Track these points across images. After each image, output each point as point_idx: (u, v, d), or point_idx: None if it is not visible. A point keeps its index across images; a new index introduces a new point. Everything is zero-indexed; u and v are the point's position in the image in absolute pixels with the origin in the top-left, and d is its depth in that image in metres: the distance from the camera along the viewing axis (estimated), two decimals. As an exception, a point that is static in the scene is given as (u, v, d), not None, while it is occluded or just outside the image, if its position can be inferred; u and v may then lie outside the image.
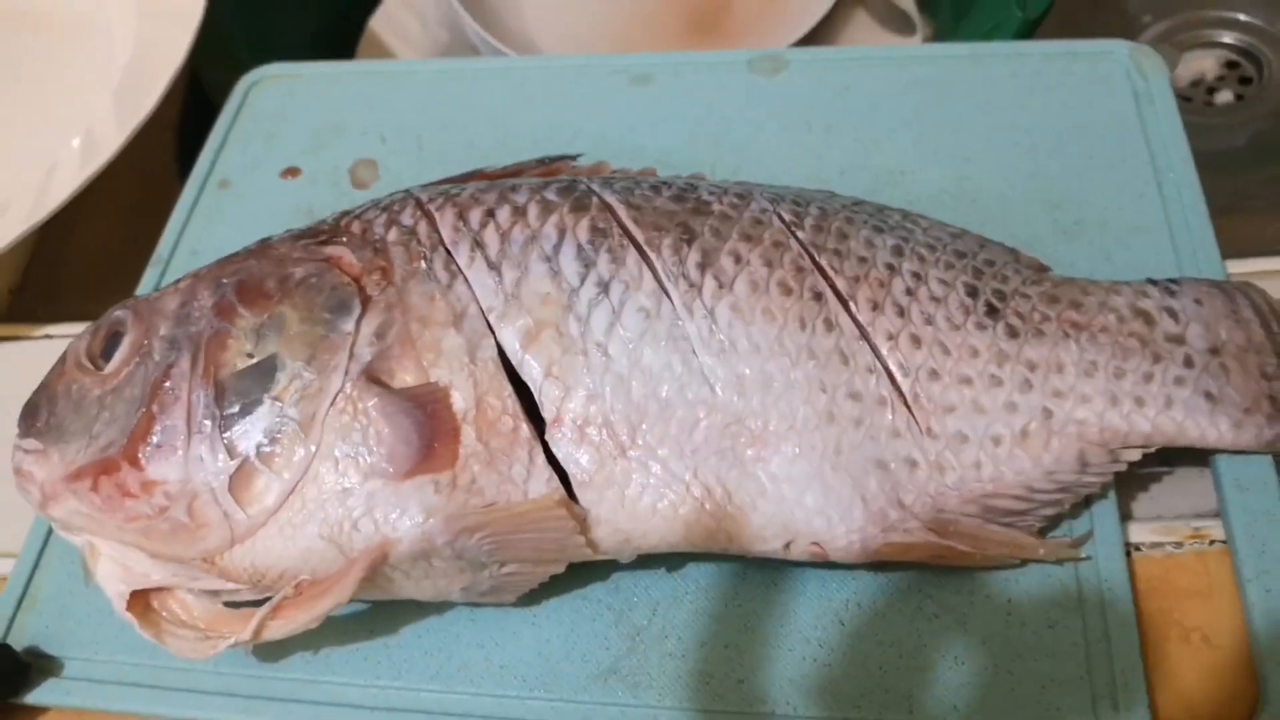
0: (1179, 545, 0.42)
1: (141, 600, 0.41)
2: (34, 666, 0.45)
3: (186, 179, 0.62)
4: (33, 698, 0.44)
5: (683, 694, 0.40)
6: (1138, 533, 0.43)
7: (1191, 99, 0.85)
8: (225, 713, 0.43)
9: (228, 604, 0.42)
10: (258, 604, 0.41)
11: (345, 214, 0.46)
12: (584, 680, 0.41)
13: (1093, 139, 0.54)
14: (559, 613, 0.43)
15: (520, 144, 0.59)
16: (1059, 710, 0.38)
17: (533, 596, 0.42)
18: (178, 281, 0.44)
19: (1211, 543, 0.42)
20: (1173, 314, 0.44)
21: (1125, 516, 0.43)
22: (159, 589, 0.42)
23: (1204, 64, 0.85)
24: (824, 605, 0.41)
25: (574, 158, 0.52)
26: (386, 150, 0.60)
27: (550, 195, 0.45)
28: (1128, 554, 0.42)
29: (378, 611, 0.43)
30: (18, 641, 0.46)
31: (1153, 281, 0.45)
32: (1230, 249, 0.50)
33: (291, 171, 0.60)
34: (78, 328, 0.59)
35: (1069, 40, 0.58)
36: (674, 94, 0.60)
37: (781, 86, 0.60)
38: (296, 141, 0.62)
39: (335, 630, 0.43)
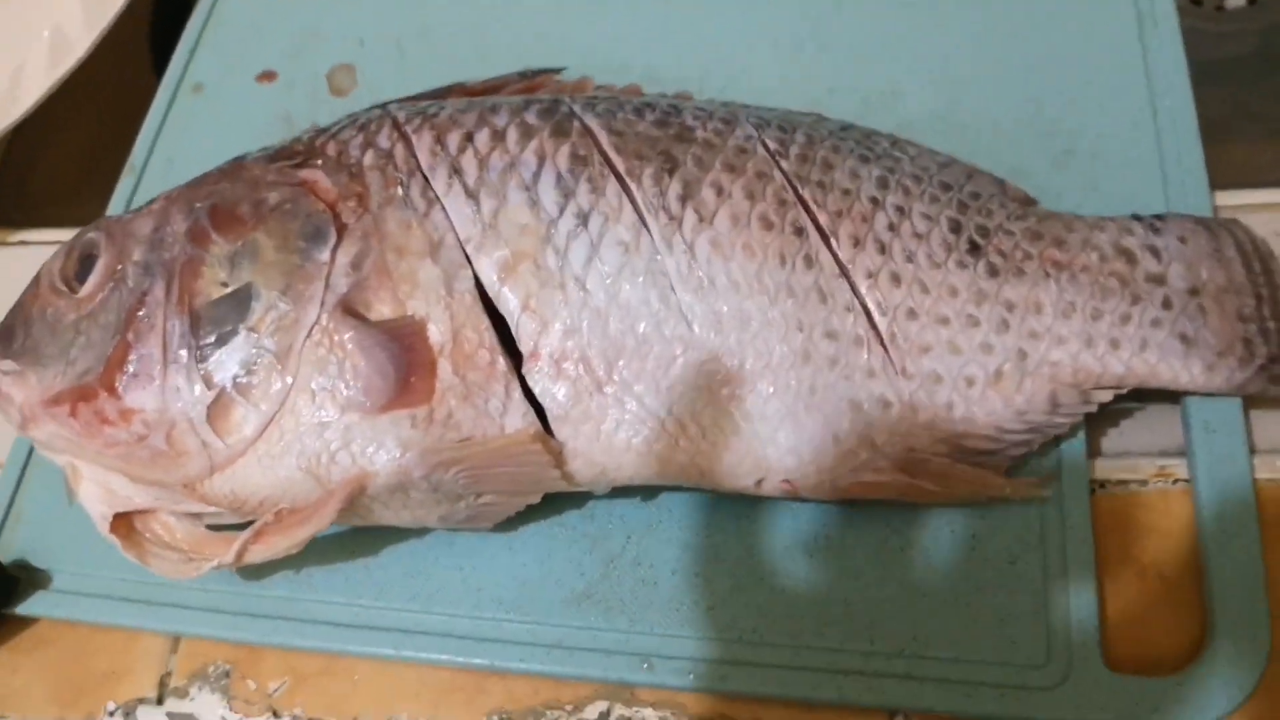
0: (1143, 483, 0.43)
1: (125, 522, 0.42)
2: (22, 579, 0.46)
3: (160, 80, 0.60)
4: (22, 609, 0.46)
5: (654, 619, 0.42)
6: (1104, 469, 0.44)
7: (1201, 2, 0.82)
8: (211, 628, 0.44)
9: (210, 526, 0.43)
10: (240, 527, 0.42)
11: (321, 131, 0.45)
12: (559, 604, 0.42)
13: (1090, 63, 0.52)
14: (535, 538, 0.44)
15: (503, 54, 0.57)
16: (1014, 643, 0.39)
17: (510, 523, 0.43)
18: (151, 202, 0.44)
19: (1175, 481, 0.43)
20: (1155, 252, 0.43)
21: (1093, 452, 0.44)
22: (142, 511, 0.42)
23: (1217, -32, 0.82)
24: (793, 537, 0.42)
25: (557, 71, 0.51)
26: (365, 55, 0.59)
27: (531, 118, 0.44)
28: (1092, 491, 0.43)
29: (358, 534, 0.44)
30: (6, 554, 0.47)
31: (1138, 217, 0.45)
32: (1223, 176, 0.49)
33: (267, 75, 0.59)
34: (54, 234, 0.58)
35: (1072, -48, 0.56)
36: (663, 2, 0.58)
37: (775, -2, 0.58)
38: (272, 43, 0.60)
39: (317, 551, 0.44)
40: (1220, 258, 0.44)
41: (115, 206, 0.55)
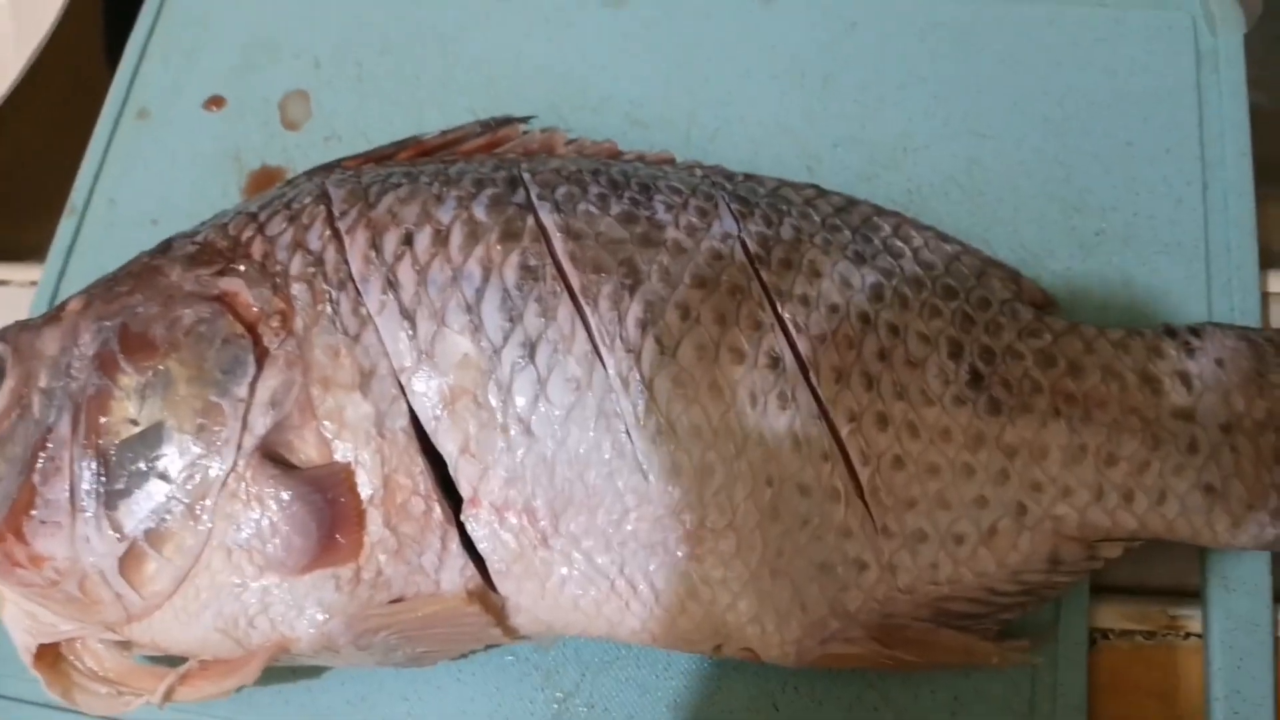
0: (1150, 635, 0.39)
1: (51, 651, 0.40)
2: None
3: (107, 90, 0.55)
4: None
5: (607, 769, 0.39)
6: (1107, 615, 0.40)
7: None
8: (150, 746, 0.42)
9: (146, 657, 0.40)
10: (172, 659, 0.39)
11: (251, 218, 0.41)
12: (508, 745, 0.40)
13: (1135, 117, 0.45)
14: (485, 668, 0.41)
15: (471, 79, 0.52)
16: (993, 828, 0.36)
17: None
18: (60, 308, 0.40)
19: (1187, 636, 0.39)
20: (1186, 381, 0.38)
21: (1096, 586, 0.40)
22: (70, 638, 0.40)
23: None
24: (760, 687, 0.39)
25: (524, 120, 0.46)
26: (321, 80, 0.53)
27: (480, 213, 0.39)
28: (1093, 641, 0.39)
29: (301, 656, 0.42)
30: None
31: (1171, 332, 0.39)
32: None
33: (216, 101, 0.53)
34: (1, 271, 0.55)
35: (1128, -24, 0.49)
36: (652, 20, 0.52)
37: (778, 16, 0.51)
38: (222, 59, 0.54)
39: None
40: (1263, 385, 0.39)
41: (55, 254, 0.51)
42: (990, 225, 0.43)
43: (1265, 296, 0.43)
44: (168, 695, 0.38)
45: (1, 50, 0.54)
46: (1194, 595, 0.40)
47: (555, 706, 0.40)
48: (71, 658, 0.40)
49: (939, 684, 0.38)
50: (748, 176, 0.43)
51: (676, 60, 0.51)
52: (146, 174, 0.52)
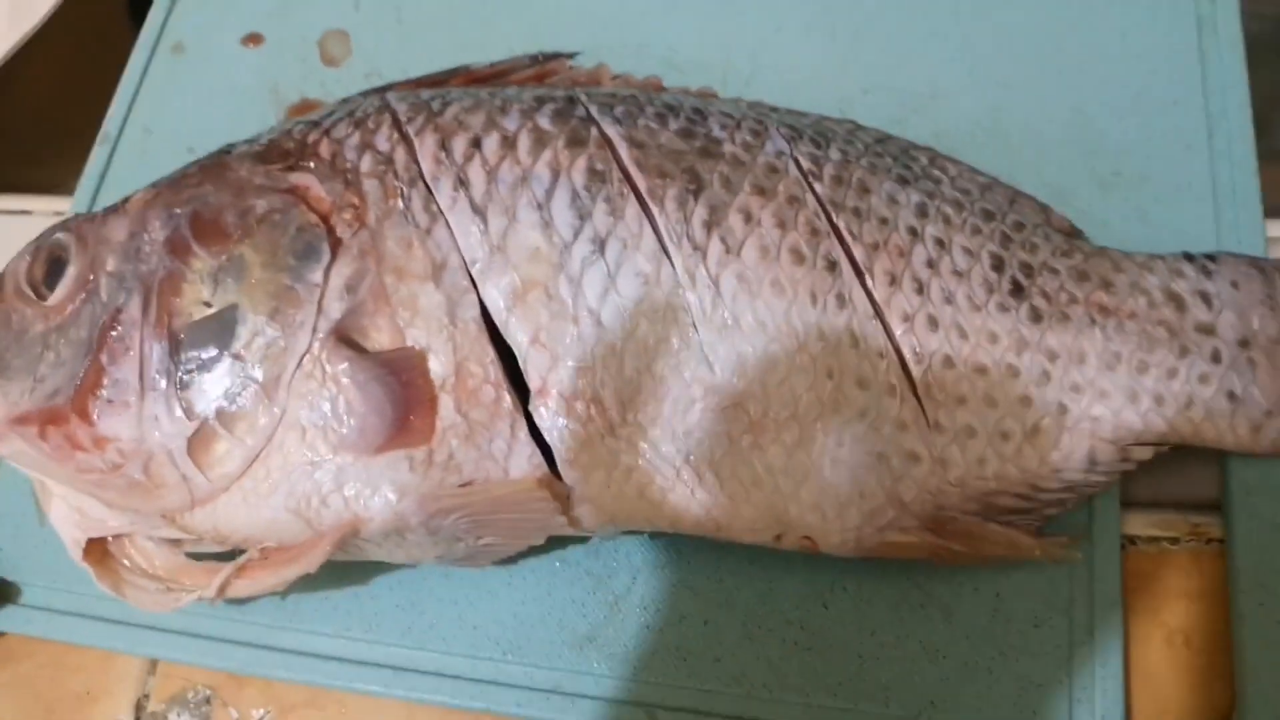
0: (1175, 541, 0.41)
1: (99, 547, 0.40)
2: (-9, 589, 0.44)
3: (138, 33, 0.55)
4: (-9, 621, 0.43)
5: (659, 668, 0.40)
6: (1135, 524, 0.42)
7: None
8: (190, 654, 0.42)
9: (190, 554, 0.40)
10: (222, 556, 0.39)
11: (313, 124, 0.41)
12: (560, 647, 0.40)
13: (1144, 72, 0.49)
14: (536, 574, 0.42)
15: (510, 25, 0.53)
16: (1035, 713, 0.38)
17: (510, 557, 0.41)
18: (125, 201, 0.40)
19: (1209, 541, 0.41)
20: (1206, 299, 0.41)
21: (1124, 501, 0.42)
22: (117, 535, 0.40)
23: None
24: (808, 586, 0.40)
25: (570, 56, 0.47)
26: (360, 20, 0.54)
27: (544, 122, 0.40)
28: (1122, 547, 0.41)
29: (349, 562, 0.42)
30: (-27, 562, 0.44)
31: (1189, 257, 0.42)
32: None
33: (253, 38, 0.54)
34: (20, 201, 0.54)
35: (1132, -54, 0.52)
36: (687, -26, 0.54)
37: (808, -27, 0.53)
38: (259, 1, 0.55)
39: (305, 577, 0.41)
40: (1274, 305, 0.41)
41: (88, 181, 0.51)
42: (1015, 166, 0.45)
43: (1267, 240, 0.46)
44: (223, 589, 0.38)
45: (30, -14, 0.54)
46: (1213, 507, 0.42)
47: (607, 609, 0.41)
48: (120, 556, 0.40)
49: (981, 582, 0.40)
50: (789, 110, 0.45)
51: (711, 11, 0.53)
52: (182, 105, 0.53)
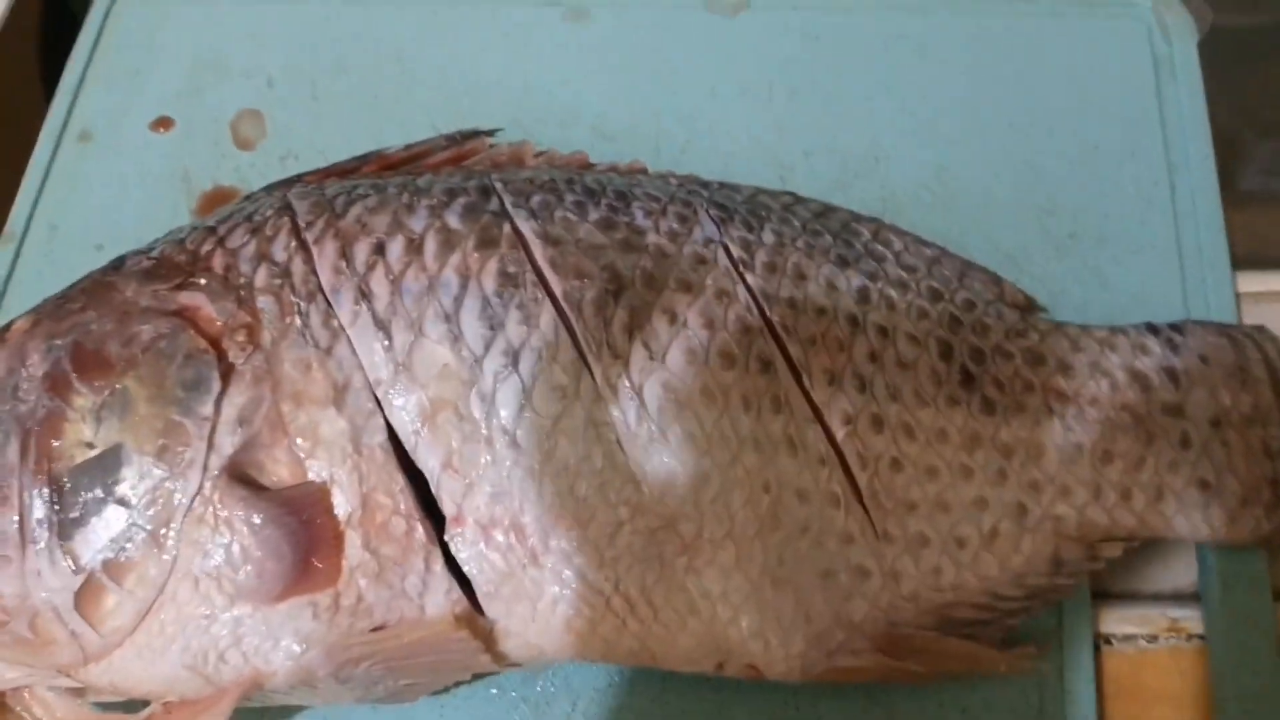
0: (1153, 639, 0.39)
1: (-5, 700, 0.37)
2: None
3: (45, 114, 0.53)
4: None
5: (603, 803, 0.37)
6: (1109, 620, 0.39)
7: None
8: (104, 802, 0.39)
9: (97, 704, 0.37)
10: (129, 704, 0.36)
11: (209, 231, 0.39)
12: (496, 783, 0.38)
13: (1100, 121, 0.46)
14: (470, 703, 0.39)
15: (430, 96, 0.50)
16: (1007, 842, 0.35)
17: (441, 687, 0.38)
18: (6, 330, 0.37)
19: (1189, 637, 0.39)
20: (1173, 377, 0.38)
21: (1097, 592, 0.39)
22: (16, 687, 0.37)
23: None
24: (760, 708, 0.38)
25: (490, 134, 0.44)
26: (274, 98, 0.51)
27: (453, 221, 0.37)
28: (1097, 647, 0.38)
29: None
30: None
31: (1153, 329, 0.39)
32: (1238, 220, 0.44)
33: (163, 122, 0.51)
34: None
35: (1083, -15, 0.49)
36: (615, 34, 0.51)
37: (741, 30, 0.51)
38: (169, 81, 0.52)
39: (222, 716, 0.39)
40: (1246, 379, 0.39)
41: (-9, 284, 0.48)
42: (965, 230, 0.43)
43: (1238, 297, 0.43)
44: (126, 745, 0.35)
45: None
46: (1192, 598, 0.39)
47: (545, 739, 0.38)
48: (19, 708, 0.37)
49: (946, 697, 0.37)
50: (723, 184, 0.42)
51: (641, 74, 0.50)
52: (90, 197, 0.50)
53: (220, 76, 0.52)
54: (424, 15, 0.52)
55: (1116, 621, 0.39)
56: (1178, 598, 0.39)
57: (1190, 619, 0.39)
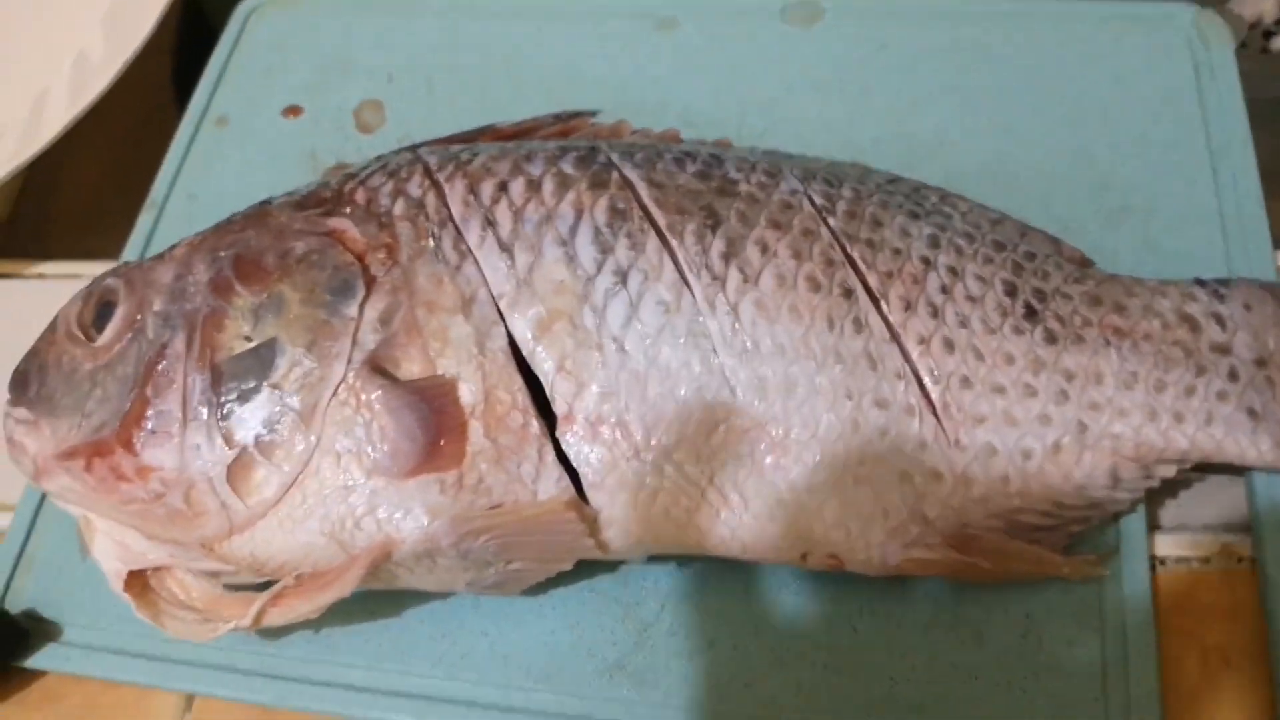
0: (1206, 561, 0.41)
1: (139, 579, 0.40)
2: (32, 631, 0.44)
3: (184, 111, 0.59)
4: (31, 662, 0.44)
5: (689, 694, 0.40)
6: (1164, 545, 0.42)
7: (1246, 44, 0.80)
8: (226, 688, 0.42)
9: (228, 586, 0.41)
10: (258, 586, 0.40)
11: (349, 176, 0.44)
12: (589, 675, 0.40)
13: (1146, 115, 0.50)
14: (565, 603, 0.42)
15: (535, 92, 0.56)
16: (1071, 734, 0.37)
17: (538, 586, 0.41)
18: (172, 248, 0.42)
19: (1240, 560, 0.41)
20: (1220, 320, 0.41)
21: (1152, 525, 0.42)
22: (157, 568, 0.41)
23: (1264, 5, 0.80)
24: (837, 609, 0.40)
25: (592, 114, 0.50)
26: (394, 91, 0.57)
27: (567, 167, 0.42)
28: (1152, 568, 0.41)
29: (380, 593, 0.42)
30: (15, 604, 0.45)
31: (1200, 282, 0.43)
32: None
33: (293, 110, 0.57)
34: (72, 267, 0.57)
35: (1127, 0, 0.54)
36: (700, 41, 0.57)
37: (815, 38, 0.56)
38: (298, 77, 0.59)
39: (337, 611, 0.41)
40: (1288, 326, 0.42)
41: (134, 243, 0.54)
42: (1024, 204, 0.47)
43: (1278, 271, 0.47)
44: (258, 619, 0.39)
45: (87, 70, 0.57)
46: (1243, 529, 0.42)
47: (636, 637, 0.41)
48: (159, 589, 0.41)
49: (1011, 603, 0.40)
50: (802, 156, 0.47)
51: (723, 76, 0.55)
52: (225, 172, 0.56)
53: (345, 73, 0.58)
54: (531, 26, 0.58)
55: (1171, 546, 0.41)
56: (1228, 529, 0.42)
57: (1241, 544, 0.41)
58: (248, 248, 0.40)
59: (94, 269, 0.56)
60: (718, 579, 0.42)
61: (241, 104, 0.58)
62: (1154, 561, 0.41)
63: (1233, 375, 0.40)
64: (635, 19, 0.58)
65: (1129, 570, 0.40)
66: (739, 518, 0.38)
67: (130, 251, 0.54)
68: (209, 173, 0.56)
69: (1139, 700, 0.37)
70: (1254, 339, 0.41)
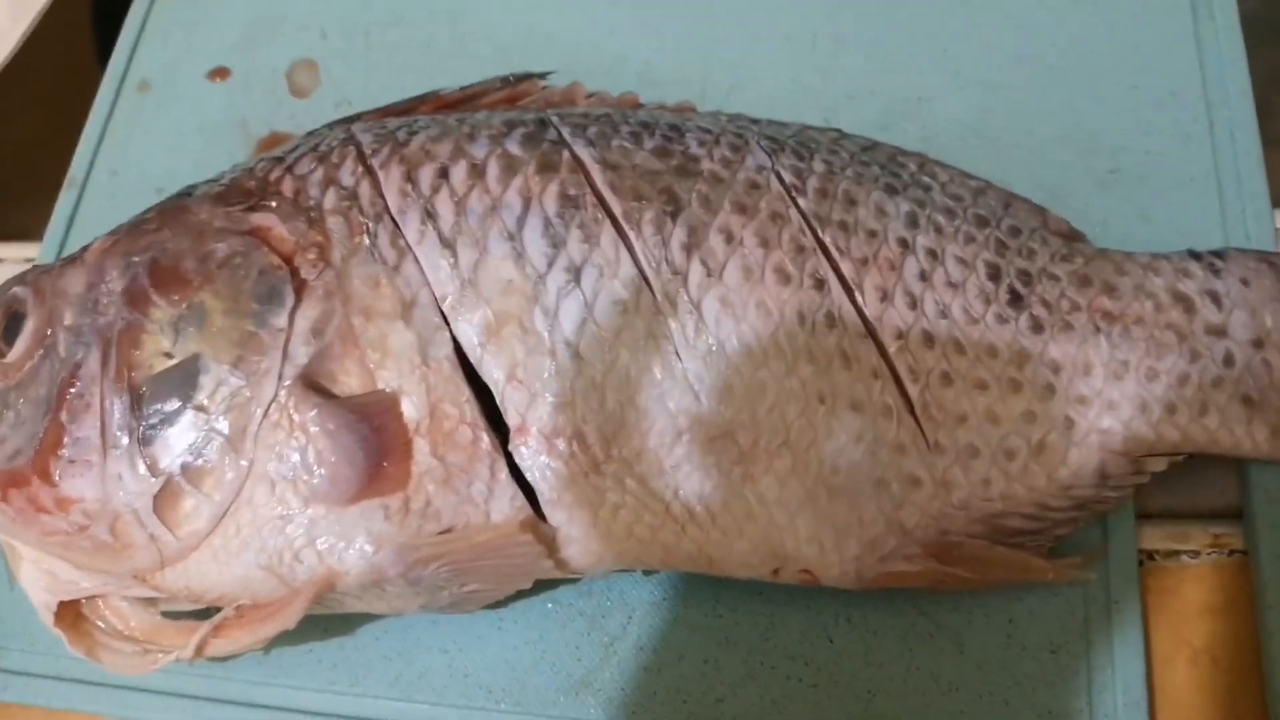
0: (1195, 554, 0.39)
1: (71, 609, 0.38)
2: (-35, 655, 0.42)
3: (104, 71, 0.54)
4: (-35, 689, 0.42)
5: (659, 711, 0.38)
6: (1151, 537, 0.40)
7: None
8: (172, 714, 0.40)
9: (167, 613, 0.39)
10: (200, 613, 0.38)
11: (276, 161, 0.40)
12: (554, 692, 0.39)
13: (1139, 64, 0.47)
14: (527, 617, 0.40)
15: (482, 48, 0.52)
16: (1056, 745, 0.36)
17: (499, 600, 0.39)
18: (83, 251, 0.38)
19: (1231, 553, 0.39)
20: (1215, 299, 0.39)
21: (1140, 514, 0.40)
22: (91, 596, 0.38)
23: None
24: (812, 619, 0.39)
25: (543, 76, 0.46)
26: (328, 49, 0.53)
27: (514, 148, 0.39)
28: (1140, 563, 0.39)
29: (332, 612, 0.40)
30: (-53, 627, 0.43)
31: (1195, 255, 0.40)
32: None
33: (220, 72, 0.53)
34: (-9, 247, 0.53)
35: (1119, -67, 0.50)
36: (661, -12, 0.52)
37: (784, -18, 0.52)
38: (224, 35, 0.54)
39: (285, 631, 0.40)
40: (1287, 302, 0.39)
41: (55, 225, 0.50)
42: (1008, 168, 0.44)
43: (1277, 231, 0.44)
44: (200, 649, 0.36)
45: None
46: (1233, 517, 0.40)
47: (603, 651, 0.39)
48: (93, 618, 0.38)
49: (993, 608, 0.38)
50: (770, 121, 0.43)
51: (687, 24, 0.51)
52: (149, 144, 0.51)
53: (275, 29, 0.54)
54: (475, -30, 0.54)
55: (1159, 538, 0.40)
56: (1219, 516, 0.40)
57: (1232, 535, 0.39)
58: (164, 251, 0.37)
59: (13, 251, 0.52)
60: (687, 588, 0.40)
61: (164, 67, 0.53)
62: (1142, 556, 0.39)
63: (1228, 360, 0.38)
64: (590, -37, 0.53)
65: (1115, 571, 0.38)
66: (706, 534, 0.36)
67: (52, 236, 0.50)
68: (132, 145, 0.52)
69: (1127, 710, 0.36)
70: (1250, 317, 0.39)
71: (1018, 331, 0.37)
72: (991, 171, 0.43)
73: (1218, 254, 0.40)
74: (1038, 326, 0.38)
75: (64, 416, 0.35)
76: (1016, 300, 0.38)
